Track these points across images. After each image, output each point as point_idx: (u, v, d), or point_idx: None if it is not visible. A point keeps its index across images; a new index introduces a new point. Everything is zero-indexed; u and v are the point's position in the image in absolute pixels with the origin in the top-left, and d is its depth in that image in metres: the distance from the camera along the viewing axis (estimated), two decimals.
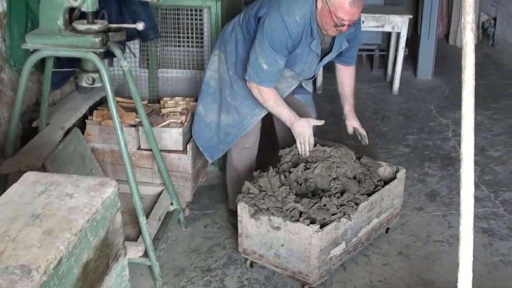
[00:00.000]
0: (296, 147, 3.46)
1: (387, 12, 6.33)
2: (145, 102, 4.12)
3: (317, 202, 3.11)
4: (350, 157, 3.48)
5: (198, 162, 3.99)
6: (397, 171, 3.67)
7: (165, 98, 4.20)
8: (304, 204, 3.11)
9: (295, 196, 3.16)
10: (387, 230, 3.80)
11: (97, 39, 2.85)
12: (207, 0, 4.17)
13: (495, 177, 4.63)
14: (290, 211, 3.11)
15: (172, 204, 3.73)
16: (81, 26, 2.92)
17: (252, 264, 3.47)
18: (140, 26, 3.00)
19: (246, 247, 3.35)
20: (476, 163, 4.73)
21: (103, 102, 4.05)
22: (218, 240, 3.79)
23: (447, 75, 7.12)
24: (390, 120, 5.75)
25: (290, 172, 3.36)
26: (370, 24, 6.19)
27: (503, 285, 3.37)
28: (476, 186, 4.45)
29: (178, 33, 4.33)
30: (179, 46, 4.40)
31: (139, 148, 3.80)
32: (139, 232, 3.23)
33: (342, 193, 3.25)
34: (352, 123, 3.68)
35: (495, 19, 8.26)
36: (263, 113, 3.58)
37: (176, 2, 4.19)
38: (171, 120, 3.87)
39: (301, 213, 3.10)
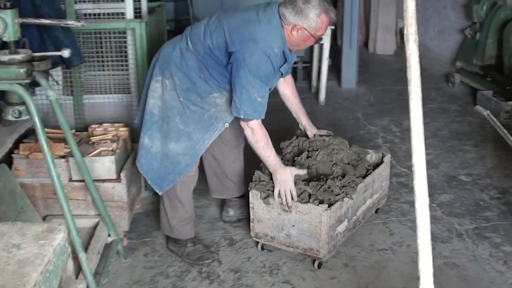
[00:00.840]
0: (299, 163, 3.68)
1: None
2: (73, 131, 3.96)
3: (323, 185, 3.48)
4: (345, 145, 3.90)
5: (132, 190, 3.87)
6: (383, 157, 4.09)
7: (93, 126, 4.04)
8: (312, 187, 3.47)
9: (302, 181, 3.51)
10: (377, 210, 4.16)
11: (21, 70, 2.70)
12: (131, 22, 4.07)
13: (429, 180, 4.63)
14: (300, 194, 3.46)
15: (109, 235, 3.59)
16: (3, 56, 2.76)
17: (263, 247, 3.78)
18: (66, 53, 2.88)
19: (257, 231, 3.69)
20: (408, 168, 4.81)
21: (28, 134, 3.86)
22: (160, 268, 3.66)
23: (370, 83, 7.24)
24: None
25: (293, 161, 3.74)
26: None
27: (450, 287, 3.41)
28: (412, 191, 4.49)
29: (102, 57, 4.20)
30: (103, 70, 4.27)
31: (70, 180, 3.63)
32: (79, 269, 3.07)
33: (342, 176, 3.63)
34: (314, 132, 3.97)
35: None
36: (214, 137, 3.51)
37: (98, 26, 4.07)
38: (102, 148, 3.73)
39: (309, 195, 3.46)
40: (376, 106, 6.45)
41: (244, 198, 4.07)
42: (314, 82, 6.91)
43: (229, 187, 4.09)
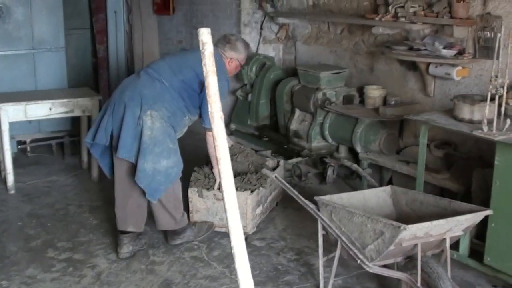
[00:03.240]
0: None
1: (75, 95, 6.20)
2: None
3: (244, 178, 4.95)
4: (253, 152, 5.50)
5: None
6: (278, 161, 5.55)
7: None
8: (238, 181, 4.85)
9: None
10: (277, 203, 5.51)
11: None
12: None
13: (223, 250, 4.71)
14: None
15: None
16: None
17: None
18: None
19: (196, 219, 5.01)
20: (200, 241, 4.82)
21: None
22: None
23: None
24: (99, 210, 5.53)
25: None
26: (59, 110, 6.00)
27: None
28: (208, 264, 4.49)
29: None
30: None
31: None
32: None
33: (256, 172, 5.10)
34: (231, 143, 5.41)
35: None
36: None
37: None
38: None
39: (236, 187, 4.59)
40: None
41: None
42: (84, 157, 6.68)
43: (143, 216, 4.80)
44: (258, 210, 5.02)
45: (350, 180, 6.09)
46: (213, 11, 7.86)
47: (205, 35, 2.14)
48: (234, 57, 4.88)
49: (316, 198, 4.00)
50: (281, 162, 5.54)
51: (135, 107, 4.47)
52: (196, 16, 8.27)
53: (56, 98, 6.08)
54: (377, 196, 4.17)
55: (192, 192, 4.97)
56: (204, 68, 2.13)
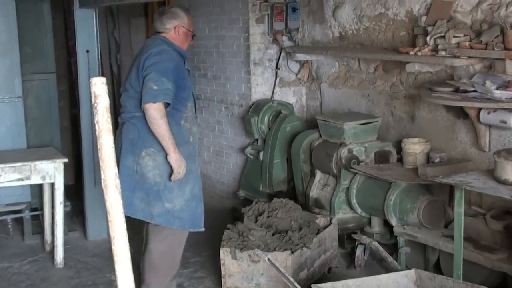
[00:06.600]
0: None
1: (32, 158, 6.31)
2: None
3: (284, 236, 5.38)
4: (299, 207, 5.90)
5: None
6: (331, 219, 5.94)
7: None
8: (277, 239, 5.33)
9: (265, 234, 5.39)
10: (329, 269, 5.83)
11: None
12: None
13: None
14: (266, 245, 5.31)
15: None
16: None
17: None
18: None
19: (229, 286, 5.32)
20: None
21: None
22: None
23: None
24: None
25: (256, 220, 5.69)
26: (10, 177, 6.10)
27: None
28: None
29: None
30: None
31: None
32: None
33: (299, 229, 5.52)
34: None
35: None
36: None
37: None
38: None
39: (275, 247, 5.27)
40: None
41: None
42: (48, 237, 6.77)
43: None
44: (302, 275, 5.30)
45: (388, 264, 6.04)
46: (218, 47, 8.03)
47: (98, 86, 2.18)
48: (178, 24, 5.34)
49: (313, 286, 4.00)
50: (334, 219, 5.95)
51: (126, 161, 5.14)
52: (198, 54, 8.46)
53: (7, 162, 6.18)
54: (397, 283, 4.17)
55: (225, 253, 5.33)
56: (96, 126, 2.17)
